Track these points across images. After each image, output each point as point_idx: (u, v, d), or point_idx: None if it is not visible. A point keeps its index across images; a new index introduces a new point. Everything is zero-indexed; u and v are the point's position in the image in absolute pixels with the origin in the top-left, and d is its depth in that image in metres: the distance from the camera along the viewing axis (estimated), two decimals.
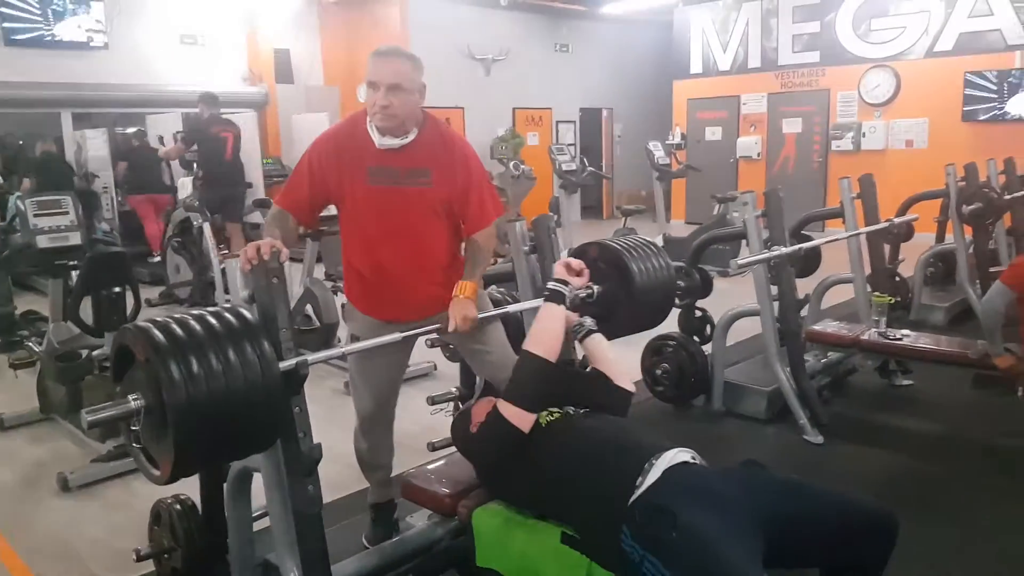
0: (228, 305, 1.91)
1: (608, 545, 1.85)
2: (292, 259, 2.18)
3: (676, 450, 1.99)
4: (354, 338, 2.51)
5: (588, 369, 2.52)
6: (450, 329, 2.33)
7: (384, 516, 2.75)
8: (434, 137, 2.43)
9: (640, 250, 2.82)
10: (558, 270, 2.41)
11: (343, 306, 4.95)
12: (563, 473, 2.04)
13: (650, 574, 1.74)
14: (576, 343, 2.55)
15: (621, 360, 2.49)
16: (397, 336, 2.26)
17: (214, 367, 1.69)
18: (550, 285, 2.29)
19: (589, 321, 2.51)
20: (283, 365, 1.89)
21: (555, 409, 2.22)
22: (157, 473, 1.80)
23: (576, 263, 2.46)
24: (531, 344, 2.19)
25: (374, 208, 2.40)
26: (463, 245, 2.58)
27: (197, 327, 1.75)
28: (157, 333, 1.71)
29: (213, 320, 1.79)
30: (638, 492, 1.86)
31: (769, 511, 1.83)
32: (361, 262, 2.49)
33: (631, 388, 2.43)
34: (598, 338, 2.48)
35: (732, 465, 2.10)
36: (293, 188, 2.43)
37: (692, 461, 1.99)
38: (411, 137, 2.37)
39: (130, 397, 1.75)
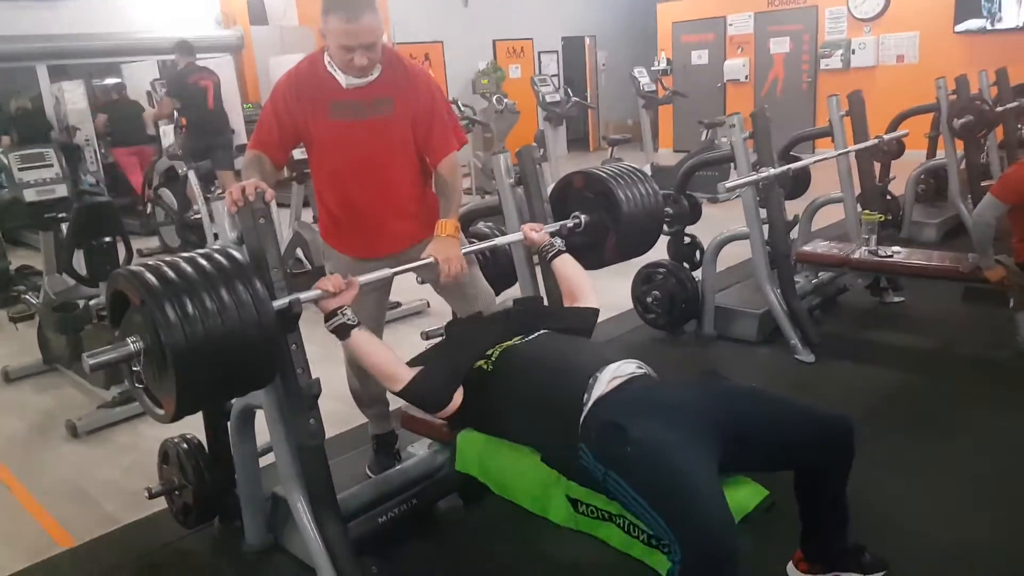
0: (216, 247, 1.93)
1: (574, 466, 1.89)
2: (279, 204, 2.20)
3: (618, 363, 2.01)
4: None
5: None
6: (441, 280, 2.38)
7: (385, 446, 2.81)
8: (395, 67, 2.43)
9: (626, 177, 2.83)
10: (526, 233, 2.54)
11: None
12: (518, 408, 2.07)
13: (614, 489, 1.78)
14: (547, 263, 2.58)
15: (591, 281, 2.53)
16: (387, 272, 2.28)
17: (209, 307, 1.73)
18: (328, 325, 2.11)
19: (559, 242, 2.57)
20: (276, 304, 1.93)
21: (497, 347, 2.20)
22: (161, 412, 1.86)
23: (532, 225, 2.61)
24: (388, 383, 2.16)
25: (338, 143, 2.42)
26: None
27: (189, 269, 1.79)
28: (150, 276, 1.74)
29: (204, 261, 1.82)
30: (586, 409, 1.89)
31: (722, 417, 1.87)
32: (331, 199, 2.52)
33: (595, 305, 2.45)
34: (566, 258, 2.55)
35: (688, 377, 2.16)
36: (263, 132, 2.43)
37: (638, 372, 2.02)
38: (376, 74, 2.37)
39: (129, 340, 1.79)
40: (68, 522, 2.82)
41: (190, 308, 1.70)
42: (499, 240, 2.69)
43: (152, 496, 2.57)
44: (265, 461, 2.44)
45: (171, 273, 1.76)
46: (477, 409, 2.16)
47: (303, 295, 2.04)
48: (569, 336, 2.31)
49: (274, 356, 1.93)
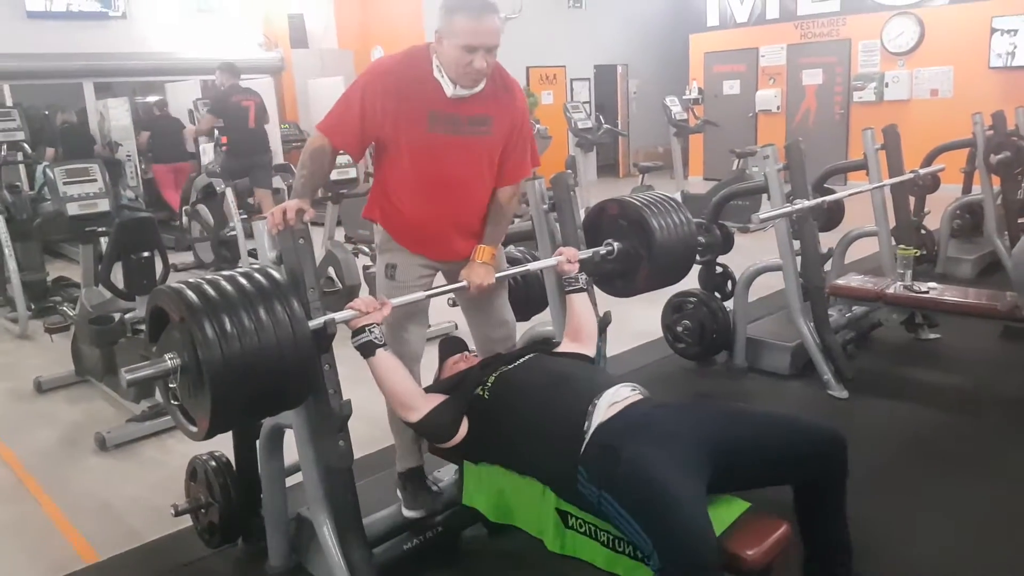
0: (255, 266, 1.96)
1: (572, 489, 1.93)
2: (312, 223, 2.19)
3: (615, 388, 2.07)
4: (391, 266, 2.46)
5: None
6: (471, 292, 2.39)
7: (416, 481, 2.54)
8: (498, 81, 2.34)
9: (660, 206, 2.82)
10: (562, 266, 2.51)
11: (373, 251, 5.00)
12: (517, 437, 2.10)
13: (608, 511, 1.84)
14: (565, 293, 2.59)
15: (595, 328, 2.56)
16: (421, 295, 2.32)
17: (246, 326, 1.75)
18: (354, 341, 2.10)
19: (583, 278, 2.58)
20: (312, 324, 1.94)
21: (492, 375, 2.24)
22: (195, 429, 1.87)
23: (570, 251, 2.56)
24: (402, 410, 2.18)
25: (428, 156, 2.31)
26: None
27: (229, 287, 1.81)
28: (191, 294, 1.77)
29: (244, 281, 1.85)
30: (587, 437, 1.94)
31: (715, 438, 1.92)
32: (401, 202, 2.40)
33: (591, 354, 2.47)
34: (584, 296, 2.55)
35: (682, 399, 2.18)
36: (342, 122, 2.28)
37: (633, 394, 2.07)
38: (482, 85, 2.28)
39: (166, 356, 1.81)
40: (93, 537, 2.84)
41: (228, 326, 1.72)
42: (532, 265, 2.67)
43: (178, 513, 2.57)
44: (291, 481, 2.45)
45: (211, 291, 1.78)
46: (478, 439, 2.19)
47: (338, 316, 2.05)
48: (559, 358, 2.36)
49: (308, 376, 1.94)
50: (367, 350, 2.10)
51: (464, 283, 2.37)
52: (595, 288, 2.74)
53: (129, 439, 3.59)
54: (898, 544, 2.53)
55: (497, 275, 2.44)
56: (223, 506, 2.51)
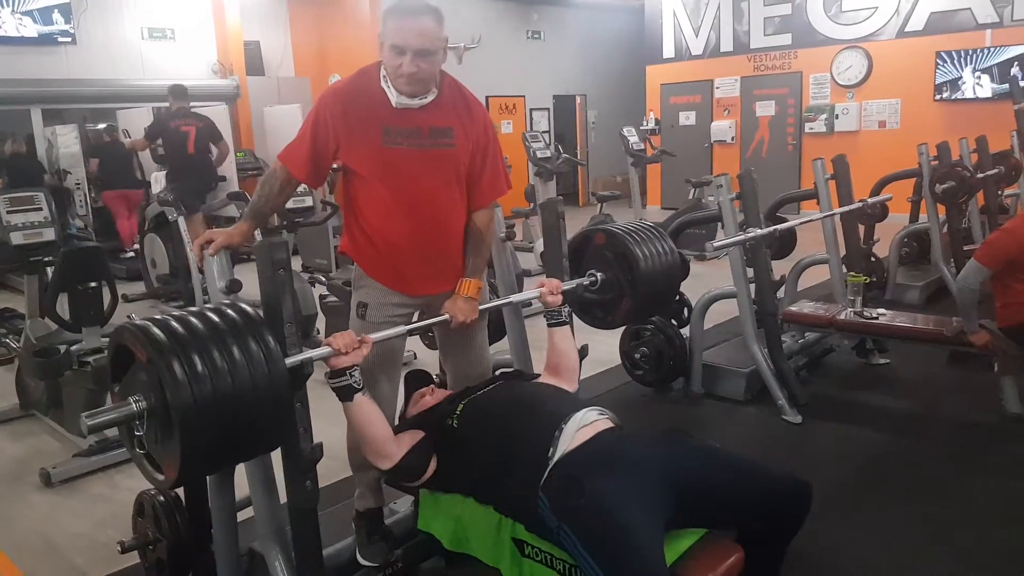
0: (226, 301, 1.88)
1: (532, 514, 1.92)
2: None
3: (582, 412, 2.05)
4: (363, 305, 2.37)
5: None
6: (452, 327, 2.32)
7: (375, 524, 2.46)
8: (455, 95, 2.29)
9: (644, 233, 2.80)
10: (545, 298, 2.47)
11: (330, 279, 4.94)
12: (483, 464, 2.09)
13: (565, 542, 1.83)
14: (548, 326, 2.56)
15: (577, 363, 2.55)
16: (402, 330, 2.25)
17: (219, 365, 1.63)
18: (332, 383, 2.02)
19: (566, 311, 2.54)
20: (289, 361, 1.82)
21: (461, 403, 2.23)
22: (161, 477, 1.74)
23: (553, 283, 2.51)
24: (374, 458, 2.16)
25: (389, 171, 2.23)
26: None
27: (199, 324, 1.69)
28: (158, 331, 1.65)
29: (215, 316, 1.74)
30: (552, 463, 1.93)
31: (681, 475, 1.92)
32: (370, 228, 2.30)
33: (572, 390, 2.45)
34: (566, 331, 2.52)
35: (654, 431, 2.18)
36: (294, 144, 2.27)
37: (601, 419, 2.06)
38: (431, 97, 2.22)
39: (131, 399, 1.68)
40: None
41: (199, 366, 1.60)
42: (515, 297, 2.59)
43: (125, 550, 2.49)
44: (242, 516, 2.39)
45: (180, 328, 1.66)
46: (447, 469, 2.17)
47: (315, 353, 1.93)
48: (527, 383, 2.35)
49: (284, 418, 1.82)
50: (345, 394, 2.02)
51: (446, 317, 2.30)
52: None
53: (75, 474, 3.48)
54: (847, 565, 2.56)
55: (480, 307, 2.39)
56: (172, 541, 2.43)
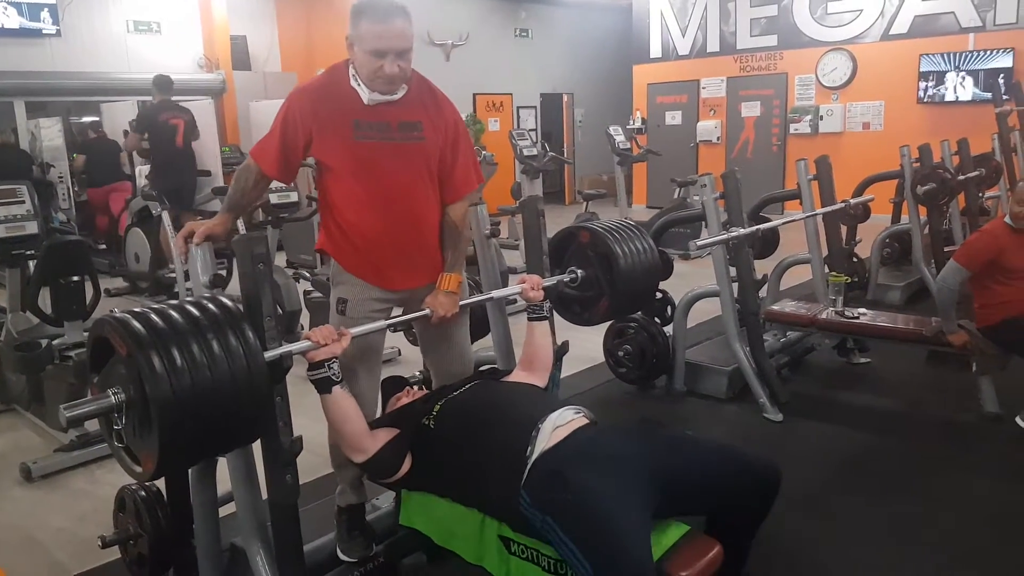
0: (207, 294, 1.89)
1: (515, 513, 1.94)
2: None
3: (559, 411, 2.08)
4: (342, 301, 2.37)
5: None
6: (433, 321, 2.34)
7: (357, 520, 2.46)
8: (423, 91, 2.32)
9: (625, 232, 2.83)
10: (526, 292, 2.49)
11: (315, 275, 4.94)
12: (461, 464, 2.11)
13: (551, 536, 1.84)
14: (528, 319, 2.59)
15: (550, 359, 2.56)
16: (382, 324, 2.26)
17: (198, 358, 1.64)
18: (310, 375, 2.05)
19: (547, 306, 2.57)
20: (268, 355, 1.84)
21: (438, 403, 2.25)
22: (139, 470, 1.75)
23: (533, 279, 2.54)
24: (349, 451, 2.18)
25: (362, 165, 2.25)
26: None
27: (178, 317, 1.70)
28: (137, 324, 1.66)
29: (194, 310, 1.74)
30: (530, 462, 1.95)
31: (660, 467, 1.96)
32: (347, 223, 2.32)
33: (542, 385, 2.47)
34: (545, 326, 2.56)
35: (627, 424, 2.22)
36: (264, 140, 2.29)
37: (577, 417, 2.09)
38: (401, 92, 2.25)
39: (110, 392, 1.69)
40: (16, 572, 2.72)
41: (179, 359, 1.61)
42: (496, 293, 2.63)
43: (105, 545, 2.48)
44: (224, 511, 2.39)
45: (159, 321, 1.67)
46: (421, 470, 2.18)
47: (294, 347, 1.95)
48: (505, 384, 2.36)
49: (263, 411, 1.83)
50: (323, 386, 2.05)
51: (427, 311, 2.32)
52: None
53: (56, 469, 3.46)
54: (827, 562, 2.59)
55: (460, 303, 2.41)
56: (153, 537, 2.43)
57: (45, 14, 9.40)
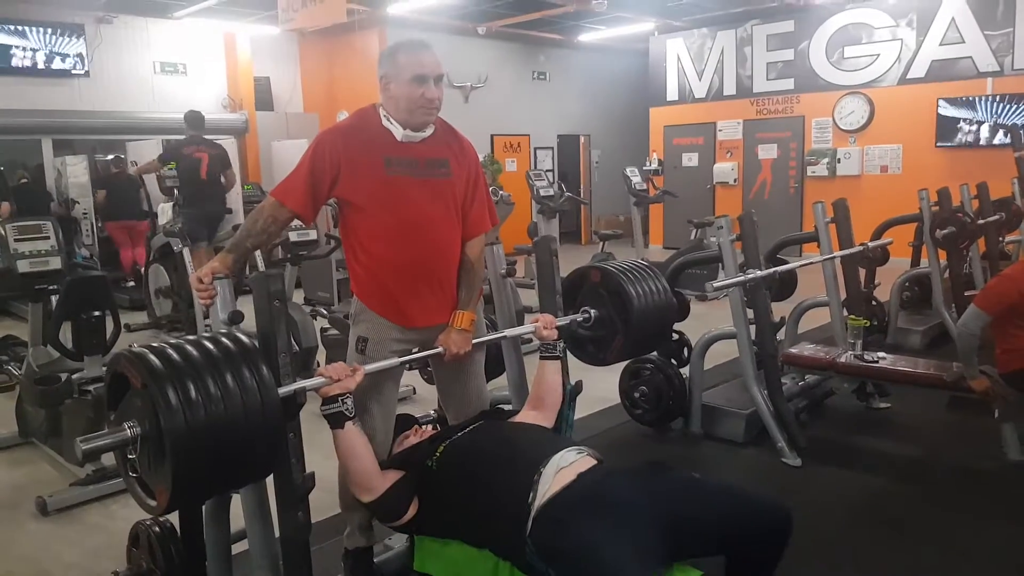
0: (223, 330, 1.91)
1: (522, 559, 1.93)
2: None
3: (561, 453, 2.06)
4: (362, 340, 2.40)
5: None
6: (445, 359, 2.36)
7: (364, 565, 2.47)
8: (447, 131, 2.44)
9: (639, 272, 2.85)
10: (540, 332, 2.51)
11: (332, 312, 4.96)
12: (465, 508, 2.10)
13: None
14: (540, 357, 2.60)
15: (559, 401, 2.55)
16: (396, 361, 2.28)
17: (212, 393, 1.67)
18: (324, 410, 2.07)
19: (560, 346, 2.58)
20: (282, 391, 1.86)
21: (442, 445, 2.25)
22: (153, 503, 1.76)
23: (547, 318, 2.57)
24: (358, 490, 2.19)
25: (393, 199, 2.31)
26: None
27: (194, 352, 1.73)
28: (154, 358, 1.68)
29: (210, 345, 1.77)
30: (534, 510, 1.93)
31: (667, 509, 1.93)
32: (376, 259, 2.36)
33: (549, 426, 2.47)
34: (557, 365, 2.56)
35: (636, 465, 2.19)
36: (290, 179, 2.33)
37: (580, 458, 2.07)
38: (430, 131, 2.36)
39: (125, 425, 1.71)
40: None
41: (193, 393, 1.64)
42: (509, 332, 2.65)
43: None
44: (237, 548, 2.38)
45: (175, 355, 1.70)
46: (430, 512, 2.17)
47: (308, 383, 1.97)
48: (508, 423, 2.36)
49: (276, 447, 1.85)
50: (336, 421, 2.06)
51: (440, 349, 2.34)
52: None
53: (71, 503, 3.46)
54: None
55: (475, 341, 2.43)
56: (165, 572, 2.42)
57: (75, 56, 9.67)
